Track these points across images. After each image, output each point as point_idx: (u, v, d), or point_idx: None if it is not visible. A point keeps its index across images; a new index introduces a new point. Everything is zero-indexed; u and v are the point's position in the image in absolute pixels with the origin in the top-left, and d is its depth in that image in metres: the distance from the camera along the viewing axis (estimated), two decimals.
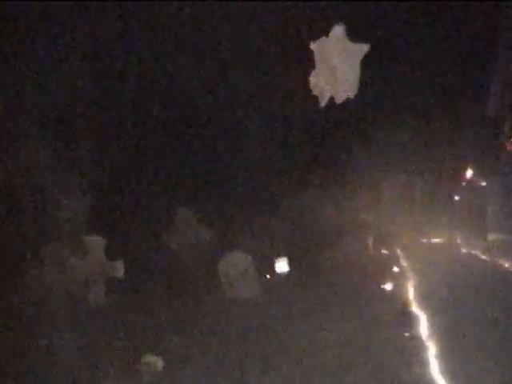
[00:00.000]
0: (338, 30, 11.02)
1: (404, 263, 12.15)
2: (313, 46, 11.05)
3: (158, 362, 10.53)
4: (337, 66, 11.17)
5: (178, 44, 11.47)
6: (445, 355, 10.13)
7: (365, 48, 10.95)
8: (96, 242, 11.39)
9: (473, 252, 12.37)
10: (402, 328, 10.70)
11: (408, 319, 10.88)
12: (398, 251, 12.37)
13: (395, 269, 11.96)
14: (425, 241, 12.50)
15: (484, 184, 12.47)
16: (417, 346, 10.34)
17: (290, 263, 12.22)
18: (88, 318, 11.10)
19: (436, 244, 12.52)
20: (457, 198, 12.56)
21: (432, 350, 10.21)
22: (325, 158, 12.18)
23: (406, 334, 10.63)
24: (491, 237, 12.37)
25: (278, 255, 12.16)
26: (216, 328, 11.14)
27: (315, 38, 10.98)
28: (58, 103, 11.55)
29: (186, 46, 11.54)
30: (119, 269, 11.33)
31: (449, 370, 9.86)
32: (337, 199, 12.10)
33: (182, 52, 11.56)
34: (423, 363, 10.03)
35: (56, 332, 10.84)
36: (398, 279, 11.73)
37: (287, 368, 10.35)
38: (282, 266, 12.21)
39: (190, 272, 11.65)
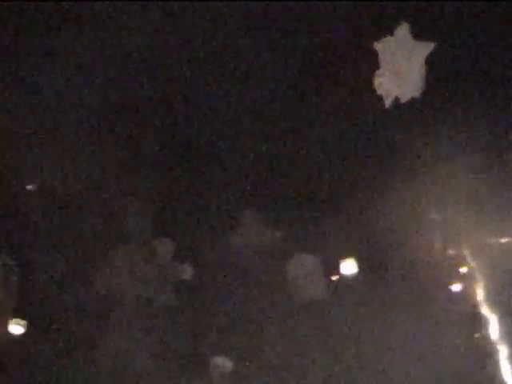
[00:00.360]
0: (403, 29, 10.93)
1: (472, 263, 12.02)
2: (377, 45, 10.98)
3: (228, 364, 10.61)
4: (401, 65, 11.09)
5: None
6: None
7: (429, 46, 10.86)
8: (164, 245, 11.49)
9: None
10: (471, 329, 10.61)
11: (478, 321, 10.79)
12: (466, 251, 12.24)
13: (463, 269, 11.84)
14: (493, 240, 12.35)
15: None
16: (487, 347, 10.24)
17: (357, 264, 12.15)
18: (156, 320, 11.22)
19: (505, 243, 12.36)
20: None
21: (503, 352, 10.11)
22: (391, 157, 12.10)
23: (477, 335, 10.56)
24: None
25: (345, 256, 12.10)
26: (284, 329, 11.17)
27: (379, 37, 10.92)
28: (122, 107, 11.66)
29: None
30: (187, 271, 11.41)
31: None
32: (403, 199, 12.01)
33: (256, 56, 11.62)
34: (494, 365, 9.93)
35: (124, 334, 10.97)
36: (466, 280, 11.62)
37: (356, 369, 10.34)
38: (348, 266, 12.15)
39: (256, 274, 11.67)
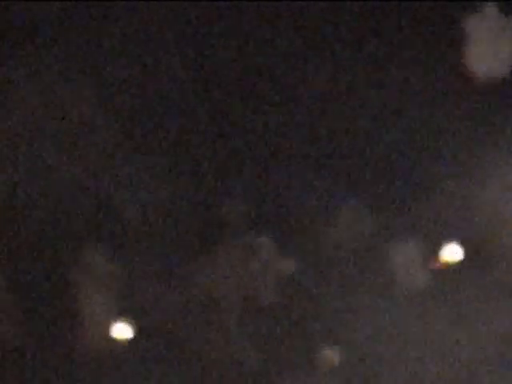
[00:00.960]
0: (493, 6, 10.75)
1: None
2: (465, 22, 10.83)
3: (335, 357, 10.48)
4: (492, 42, 10.88)
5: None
6: None
7: None
8: (265, 242, 11.44)
9: None
10: None
11: None
12: None
13: None
14: None
15: None
16: None
17: (462, 250, 11.87)
18: (262, 318, 11.17)
19: None
20: None
21: None
22: (490, 139, 11.79)
23: None
24: None
25: (448, 242, 11.83)
26: (388, 320, 10.97)
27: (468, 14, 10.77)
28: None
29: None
30: (290, 267, 11.33)
31: None
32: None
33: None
34: None
35: (229, 333, 10.95)
36: None
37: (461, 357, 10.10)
38: (452, 253, 11.88)
39: (357, 264, 11.51)
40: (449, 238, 11.67)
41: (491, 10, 11.10)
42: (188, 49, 11.46)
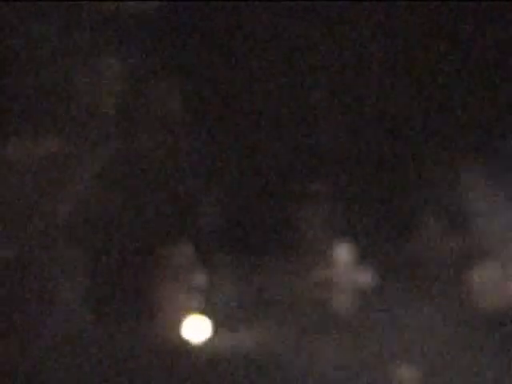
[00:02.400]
0: None
1: None
2: None
3: (415, 375, 10.27)
4: None
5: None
6: None
7: None
8: (345, 248, 11.28)
9: None
10: None
11: None
12: None
13: None
14: None
15: None
16: None
17: None
18: (339, 329, 10.98)
19: None
20: None
21: None
22: None
23: None
24: None
25: None
26: (468, 341, 10.78)
27: None
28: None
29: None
30: (368, 276, 11.16)
31: None
32: None
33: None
34: None
35: (307, 343, 10.75)
36: None
37: None
38: None
39: (436, 280, 11.35)
40: None
41: None
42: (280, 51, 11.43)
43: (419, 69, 11.78)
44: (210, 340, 10.73)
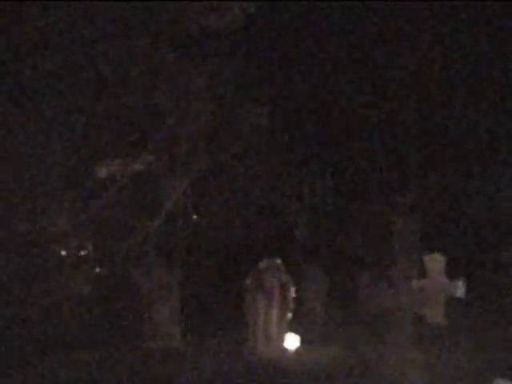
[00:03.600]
0: None
1: None
2: None
3: None
4: None
5: None
6: None
7: None
8: (437, 260, 11.13)
9: None
10: None
11: None
12: None
13: None
14: None
15: None
16: None
17: None
18: (430, 337, 10.84)
19: None
20: None
21: None
22: None
23: None
24: None
25: None
26: None
27: None
28: None
29: None
30: (460, 288, 10.95)
31: None
32: None
33: None
34: None
35: (399, 350, 10.63)
36: None
37: None
38: None
39: None
40: None
41: None
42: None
43: None
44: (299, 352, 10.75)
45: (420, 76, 11.62)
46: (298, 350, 10.88)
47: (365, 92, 11.74)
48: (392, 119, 11.68)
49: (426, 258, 11.25)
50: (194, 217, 10.90)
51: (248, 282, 10.68)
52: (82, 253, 10.75)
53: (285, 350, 10.87)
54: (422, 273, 11.21)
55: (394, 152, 11.61)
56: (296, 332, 10.87)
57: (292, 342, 10.91)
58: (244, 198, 11.15)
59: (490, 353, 10.30)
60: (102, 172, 10.89)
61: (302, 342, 10.83)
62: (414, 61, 11.59)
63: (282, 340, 10.84)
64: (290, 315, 10.92)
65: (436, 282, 11.19)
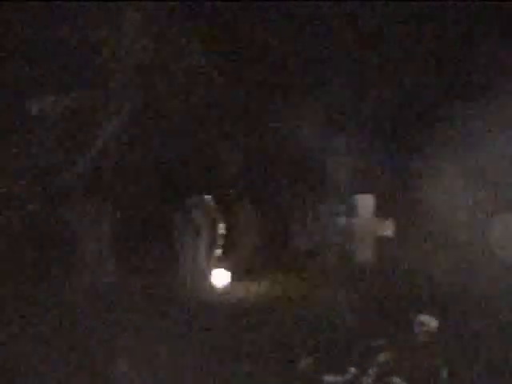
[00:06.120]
0: None
1: None
2: None
3: (432, 322, 10.31)
4: None
5: None
6: None
7: None
8: (366, 200, 11.34)
9: None
10: None
11: None
12: None
13: None
14: None
15: None
16: None
17: None
18: (356, 275, 11.09)
19: None
20: None
21: None
22: None
23: None
24: None
25: None
26: (488, 291, 10.80)
27: None
28: None
29: None
30: (389, 227, 11.22)
31: None
32: None
33: None
34: None
35: (326, 286, 10.89)
36: None
37: None
38: None
39: (456, 229, 11.34)
40: None
41: None
42: None
43: None
44: (229, 289, 10.97)
45: None
46: (226, 286, 11.14)
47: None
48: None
49: (356, 198, 11.49)
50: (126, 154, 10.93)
51: (176, 217, 10.83)
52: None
53: (212, 285, 11.12)
54: (352, 212, 11.46)
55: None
56: (225, 268, 11.11)
57: (221, 277, 11.16)
58: (176, 136, 11.16)
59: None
60: (34, 108, 10.85)
61: (231, 278, 11.08)
62: None
63: (210, 276, 11.07)
64: (218, 251, 11.15)
65: (365, 221, 11.46)
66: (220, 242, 10.96)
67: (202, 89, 11.11)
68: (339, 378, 9.61)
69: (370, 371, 9.56)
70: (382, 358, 10.08)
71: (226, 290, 10.94)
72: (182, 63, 11.03)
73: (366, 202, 11.33)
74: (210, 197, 10.82)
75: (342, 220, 11.22)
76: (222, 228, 10.92)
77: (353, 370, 9.61)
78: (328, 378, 9.64)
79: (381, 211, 11.33)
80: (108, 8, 10.82)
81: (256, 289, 11.02)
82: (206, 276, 10.91)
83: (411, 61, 11.38)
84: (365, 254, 11.29)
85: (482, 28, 11.28)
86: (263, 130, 11.36)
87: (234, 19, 11.43)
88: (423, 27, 11.35)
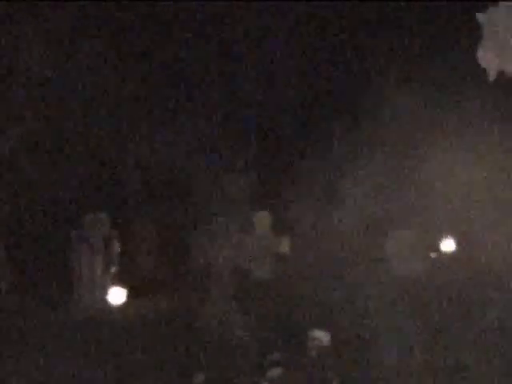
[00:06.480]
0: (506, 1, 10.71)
1: None
2: (480, 17, 10.78)
3: (325, 337, 10.47)
4: (506, 37, 10.85)
5: None
6: None
7: None
8: (263, 218, 11.48)
9: None
10: None
11: None
12: None
13: None
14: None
15: None
16: None
17: (455, 242, 11.99)
18: (254, 292, 11.20)
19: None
20: None
21: None
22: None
23: None
24: None
25: (445, 234, 11.93)
26: (382, 303, 11.00)
27: (483, 8, 10.72)
28: None
29: None
30: (285, 244, 11.36)
31: None
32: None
33: None
34: None
35: (222, 304, 10.97)
36: None
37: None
38: (448, 244, 11.98)
39: (355, 248, 11.57)
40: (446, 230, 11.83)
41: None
42: None
43: None
44: (125, 306, 11.00)
45: None
46: (123, 304, 11.17)
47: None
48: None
49: (253, 215, 11.64)
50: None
51: (72, 235, 10.84)
52: None
53: (109, 303, 11.13)
54: (250, 229, 11.59)
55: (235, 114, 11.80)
56: (123, 286, 11.15)
57: (117, 295, 11.19)
58: (78, 152, 11.18)
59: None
60: None
61: (129, 295, 11.12)
62: None
63: (106, 293, 11.09)
64: (114, 269, 11.18)
65: (261, 238, 11.60)
66: (116, 259, 10.99)
67: (97, 106, 11.13)
68: None
69: None
70: (273, 373, 10.21)
71: (123, 308, 10.97)
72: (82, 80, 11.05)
73: (262, 219, 11.49)
74: (104, 215, 10.84)
75: (239, 236, 11.34)
76: (118, 246, 10.96)
77: None
78: None
79: (277, 228, 11.50)
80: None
81: (152, 306, 11.08)
82: (102, 294, 10.92)
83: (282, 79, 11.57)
84: (260, 270, 11.44)
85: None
86: (156, 147, 11.45)
87: None
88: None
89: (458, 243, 12.05)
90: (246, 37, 11.36)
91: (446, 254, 12.03)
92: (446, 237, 12.00)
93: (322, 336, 10.46)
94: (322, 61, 11.64)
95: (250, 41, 11.35)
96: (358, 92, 11.57)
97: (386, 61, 11.54)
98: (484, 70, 10.52)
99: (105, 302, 10.91)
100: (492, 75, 10.92)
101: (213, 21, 11.33)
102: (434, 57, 11.65)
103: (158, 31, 11.34)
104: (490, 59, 10.89)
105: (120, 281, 11.04)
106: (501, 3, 10.79)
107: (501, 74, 10.85)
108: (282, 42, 11.48)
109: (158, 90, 11.34)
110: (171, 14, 11.25)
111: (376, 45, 11.52)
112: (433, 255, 11.98)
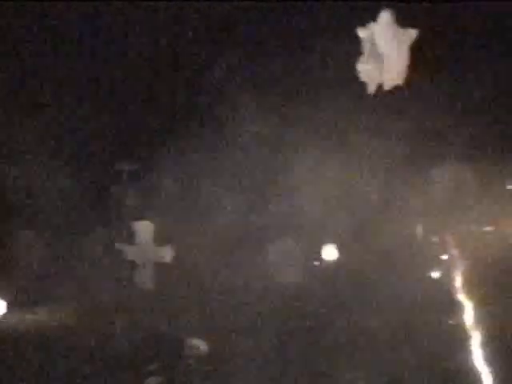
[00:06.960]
0: (386, 16, 10.94)
1: (453, 251, 12.02)
2: (360, 32, 11.00)
3: (203, 346, 10.64)
4: (384, 52, 11.09)
5: None
6: (489, 344, 10.06)
7: (413, 34, 10.85)
8: (144, 227, 11.55)
9: None
10: (446, 316, 10.64)
11: (454, 307, 10.81)
12: (448, 239, 12.22)
13: (444, 256, 11.85)
14: (475, 228, 12.33)
15: None
16: (461, 334, 10.29)
17: (338, 250, 12.19)
18: (136, 302, 11.29)
19: (487, 232, 12.34)
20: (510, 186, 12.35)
21: (476, 339, 10.15)
22: (374, 144, 12.07)
23: (451, 322, 10.58)
24: None
25: (326, 242, 12.12)
26: (260, 312, 11.18)
27: (363, 24, 10.93)
28: None
29: None
30: (167, 254, 11.46)
31: (492, 358, 9.78)
32: (385, 186, 12.01)
33: None
34: (466, 351, 9.98)
35: (104, 315, 11.05)
36: (447, 267, 11.62)
37: (330, 353, 10.37)
38: (329, 252, 12.18)
39: (238, 256, 11.70)
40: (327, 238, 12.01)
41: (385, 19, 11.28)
42: None
43: None
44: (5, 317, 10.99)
45: None
46: (2, 316, 11.15)
47: None
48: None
49: (135, 225, 11.70)
50: None
51: None
52: None
53: None
54: (132, 238, 11.65)
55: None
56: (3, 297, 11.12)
57: None
58: None
59: None
60: None
61: (7, 307, 11.09)
62: None
63: None
64: None
65: (143, 248, 11.68)
66: None
67: None
68: None
69: None
70: (152, 382, 10.36)
71: (2, 320, 10.95)
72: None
73: (144, 229, 11.56)
74: None
75: (121, 246, 11.42)
76: None
77: None
78: None
79: (160, 237, 11.58)
80: None
81: (32, 318, 11.08)
82: None
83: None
84: (143, 280, 11.53)
85: None
86: None
87: None
88: None
89: (340, 250, 12.24)
90: None
91: (327, 262, 12.22)
92: (326, 244, 12.16)
93: (199, 344, 10.65)
94: None
95: None
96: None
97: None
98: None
99: None
100: (371, 88, 11.19)
101: None
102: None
103: None
104: (370, 73, 11.15)
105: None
106: (379, 19, 11.03)
107: (379, 86, 11.13)
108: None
109: None
110: None
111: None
112: (316, 263, 12.16)
